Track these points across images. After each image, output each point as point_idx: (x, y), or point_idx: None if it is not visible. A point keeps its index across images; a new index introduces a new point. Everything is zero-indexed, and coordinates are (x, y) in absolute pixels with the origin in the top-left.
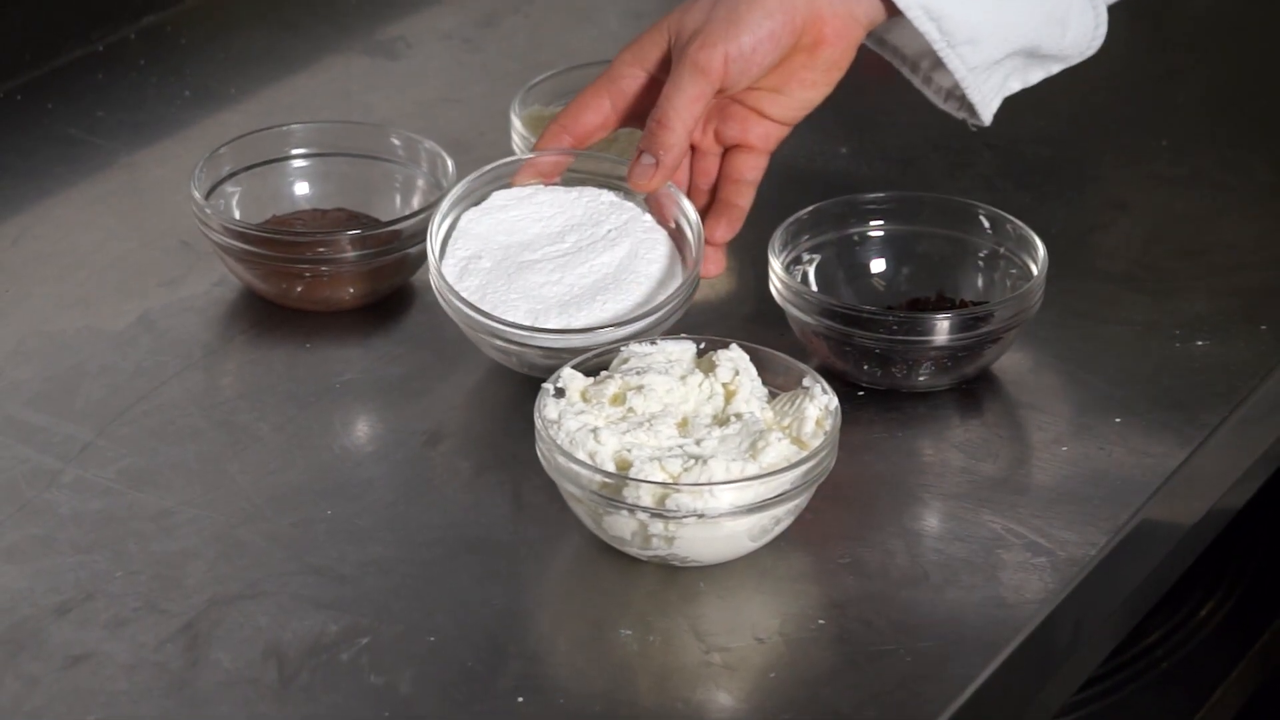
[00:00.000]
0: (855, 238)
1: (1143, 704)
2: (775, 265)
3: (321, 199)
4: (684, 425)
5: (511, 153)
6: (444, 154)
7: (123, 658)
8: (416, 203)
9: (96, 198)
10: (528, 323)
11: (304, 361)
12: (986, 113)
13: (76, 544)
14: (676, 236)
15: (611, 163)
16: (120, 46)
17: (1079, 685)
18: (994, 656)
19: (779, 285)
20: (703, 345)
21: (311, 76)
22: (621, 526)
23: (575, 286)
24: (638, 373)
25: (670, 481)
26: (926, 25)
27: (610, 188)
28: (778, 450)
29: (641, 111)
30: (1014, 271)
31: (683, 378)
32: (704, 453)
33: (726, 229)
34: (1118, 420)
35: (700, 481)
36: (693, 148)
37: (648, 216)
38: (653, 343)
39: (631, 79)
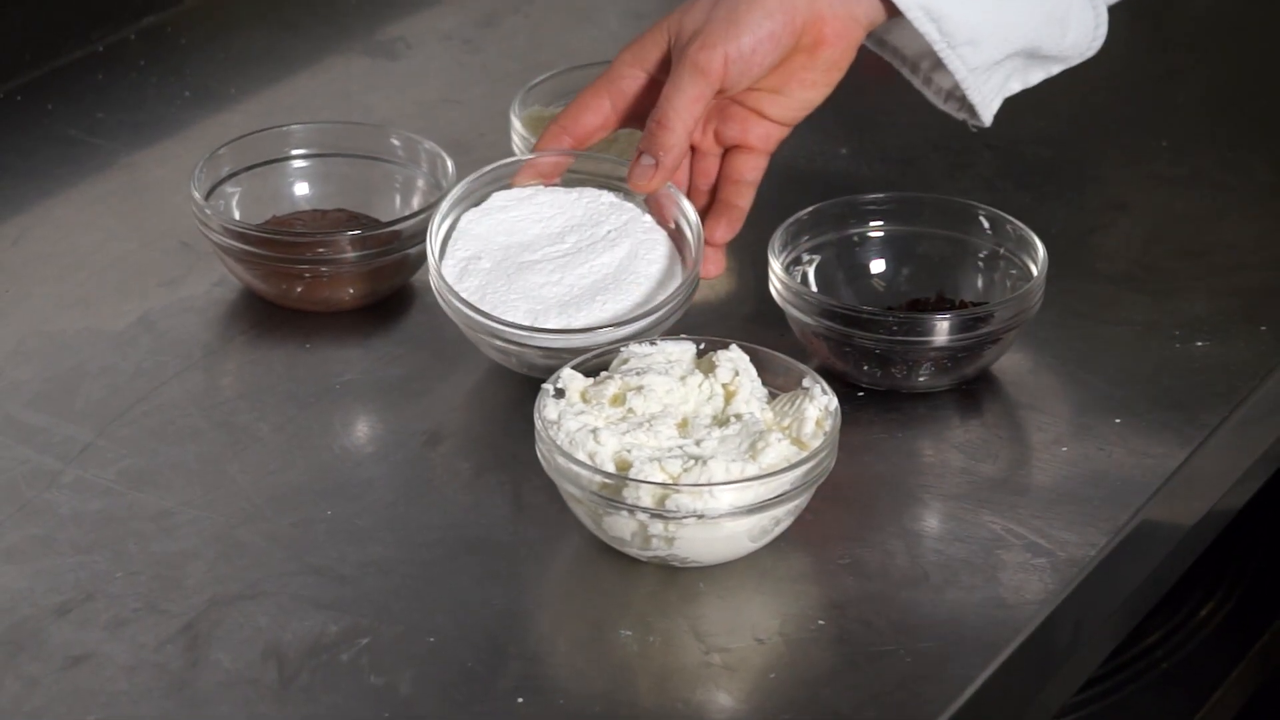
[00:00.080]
0: (855, 238)
1: (1143, 705)
2: (775, 266)
3: (321, 199)
4: (684, 426)
5: (511, 153)
6: (444, 154)
7: (123, 658)
8: (416, 203)
9: (96, 198)
10: (527, 323)
11: (304, 362)
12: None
13: (76, 544)
14: (676, 237)
15: (611, 163)
16: (120, 47)
17: (1079, 686)
18: (994, 657)
19: (779, 286)
20: (702, 346)
21: (311, 77)
22: (621, 527)
23: (575, 287)
24: (637, 373)
25: (670, 482)
26: (926, 26)
27: (610, 188)
28: (777, 451)
29: (641, 112)
30: (1014, 272)
31: (682, 378)
32: (704, 453)
33: (726, 229)
34: (1118, 421)
35: (700, 482)
36: (692, 148)
37: (647, 217)
38: (652, 343)
39: (631, 79)
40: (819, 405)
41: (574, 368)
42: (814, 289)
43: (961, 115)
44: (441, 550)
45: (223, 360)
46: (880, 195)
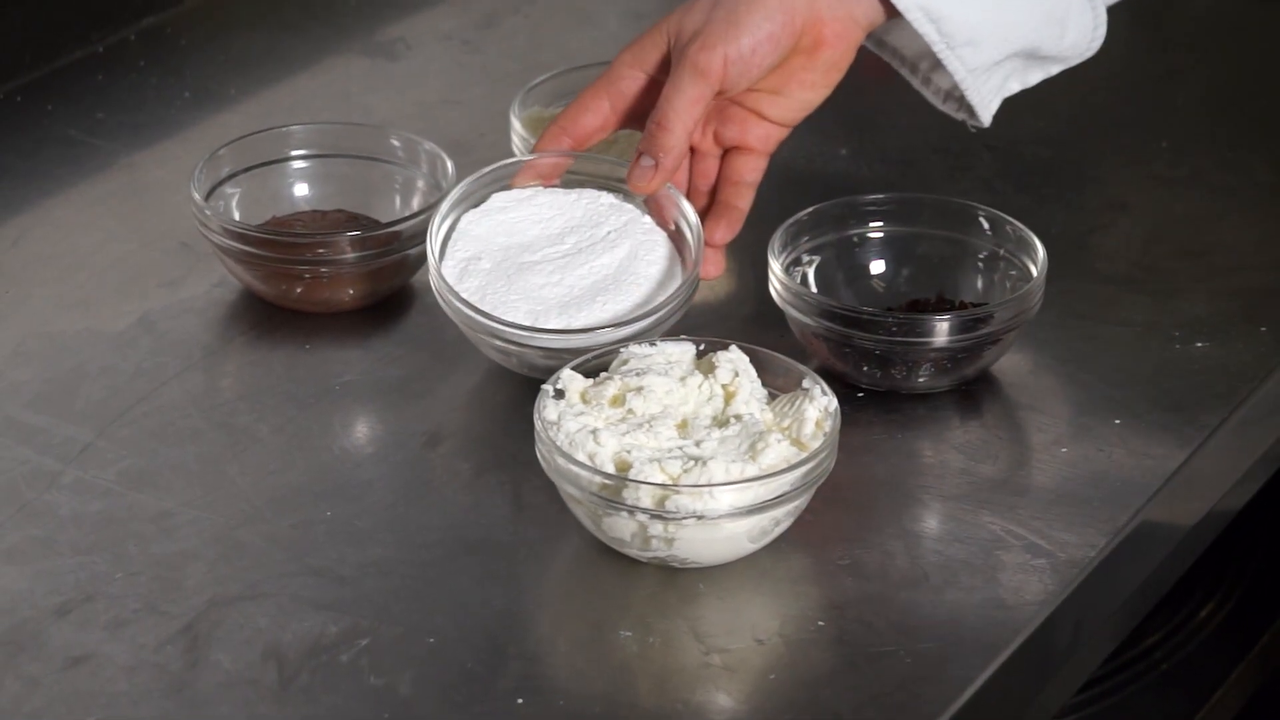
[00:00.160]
0: (855, 239)
1: (1142, 705)
2: (775, 267)
3: (321, 200)
4: (683, 426)
5: (511, 154)
6: (444, 155)
7: (123, 659)
8: (416, 204)
9: (96, 199)
10: (527, 323)
11: (304, 363)
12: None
13: (76, 545)
14: (676, 238)
15: (611, 164)
16: (120, 47)
17: (1079, 687)
18: (994, 658)
19: (779, 287)
20: (702, 346)
21: (311, 78)
22: (621, 528)
23: (575, 288)
24: (637, 374)
25: (670, 483)
26: (926, 27)
27: (610, 189)
28: (777, 452)
29: (641, 113)
30: (1014, 273)
31: (682, 379)
32: (703, 454)
33: (726, 230)
34: (1117, 422)
35: (700, 483)
36: (692, 149)
37: (647, 218)
38: (652, 344)
39: (631, 80)
40: (819, 406)
41: (574, 368)
42: (814, 290)
43: (961, 116)
44: (441, 551)
45: (222, 361)
46: (880, 196)
